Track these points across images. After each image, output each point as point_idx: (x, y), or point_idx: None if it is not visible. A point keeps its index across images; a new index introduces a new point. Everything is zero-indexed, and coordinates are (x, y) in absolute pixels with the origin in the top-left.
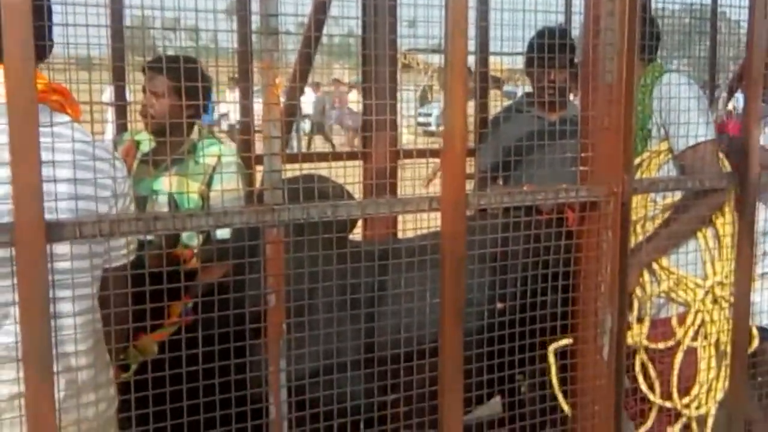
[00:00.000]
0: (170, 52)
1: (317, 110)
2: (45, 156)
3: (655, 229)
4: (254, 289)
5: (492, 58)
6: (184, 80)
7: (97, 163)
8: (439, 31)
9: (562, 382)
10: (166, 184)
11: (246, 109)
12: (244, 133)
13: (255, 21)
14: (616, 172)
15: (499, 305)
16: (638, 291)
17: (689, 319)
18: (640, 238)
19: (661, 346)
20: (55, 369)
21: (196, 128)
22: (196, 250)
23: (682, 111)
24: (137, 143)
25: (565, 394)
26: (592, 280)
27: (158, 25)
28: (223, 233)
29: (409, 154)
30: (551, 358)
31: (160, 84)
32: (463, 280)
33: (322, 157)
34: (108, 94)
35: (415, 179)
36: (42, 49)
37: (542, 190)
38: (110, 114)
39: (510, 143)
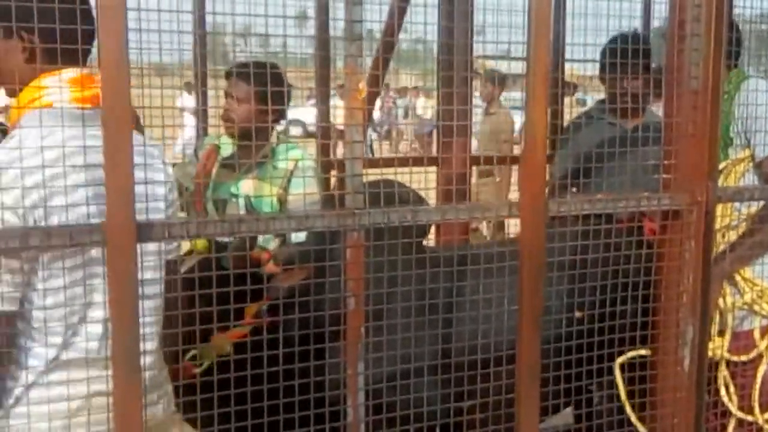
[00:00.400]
0: (242, 59)
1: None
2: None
3: (738, 239)
4: (333, 293)
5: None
6: (265, 86)
7: (155, 166)
8: (508, 37)
9: (634, 394)
10: (245, 187)
11: (324, 114)
12: (323, 138)
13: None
14: (700, 180)
15: (578, 314)
16: (720, 302)
17: None
18: (722, 247)
19: (743, 358)
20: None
21: (275, 133)
22: (273, 253)
23: (765, 118)
24: (218, 147)
25: (637, 406)
26: (674, 290)
27: (230, 32)
28: (299, 236)
29: (485, 160)
30: (617, 371)
31: (241, 89)
32: (541, 287)
33: (401, 162)
34: (183, 99)
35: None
36: (85, 52)
37: (623, 198)
38: (189, 119)
39: (585, 150)
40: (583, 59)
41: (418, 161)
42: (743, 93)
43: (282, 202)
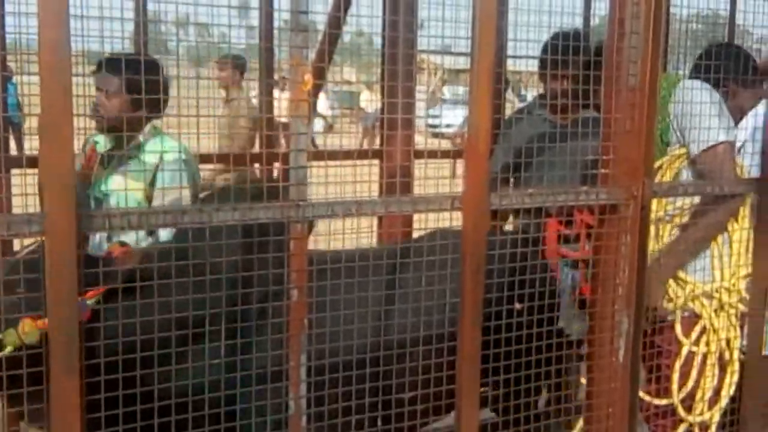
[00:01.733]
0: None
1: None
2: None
3: (673, 241)
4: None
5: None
6: (136, 77)
7: None
8: (451, 32)
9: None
10: (114, 184)
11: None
12: (267, 129)
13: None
14: (636, 175)
15: (518, 306)
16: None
17: (697, 327)
18: (659, 247)
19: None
20: None
21: (149, 126)
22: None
23: (700, 116)
24: (96, 143)
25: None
26: (610, 282)
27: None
28: (166, 234)
29: (429, 154)
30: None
31: (111, 82)
32: (482, 279)
33: (345, 155)
34: None
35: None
36: None
37: (562, 192)
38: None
39: (520, 145)
40: (525, 56)
41: (362, 154)
42: (678, 92)
43: (148, 198)
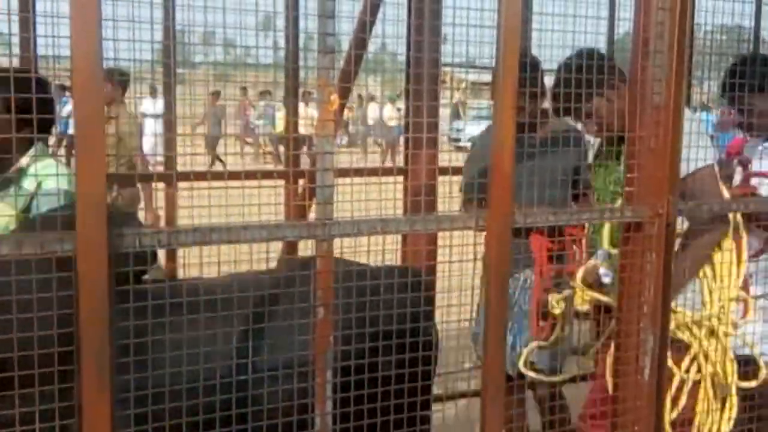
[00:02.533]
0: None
1: (214, 122)
2: None
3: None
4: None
5: None
6: (16, 93)
7: None
8: (474, 45)
9: None
10: None
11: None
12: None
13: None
14: (661, 193)
15: None
16: None
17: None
18: None
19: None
20: None
21: (33, 150)
22: None
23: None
24: None
25: None
26: (635, 301)
27: (196, 39)
28: None
29: (453, 171)
30: None
31: None
32: (507, 296)
33: (369, 172)
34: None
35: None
36: None
37: (587, 210)
38: (148, 124)
39: (485, 163)
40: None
41: (386, 171)
42: None
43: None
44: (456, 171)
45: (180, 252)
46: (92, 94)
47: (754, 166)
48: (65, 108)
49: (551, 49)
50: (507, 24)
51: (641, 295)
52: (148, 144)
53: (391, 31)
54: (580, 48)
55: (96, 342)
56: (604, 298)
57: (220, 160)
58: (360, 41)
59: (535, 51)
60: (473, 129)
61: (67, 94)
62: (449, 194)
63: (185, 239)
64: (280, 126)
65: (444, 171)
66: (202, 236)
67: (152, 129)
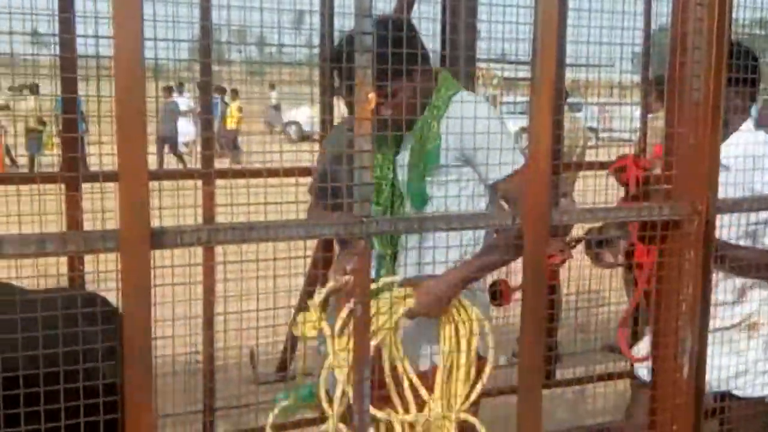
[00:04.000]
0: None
1: (167, 119)
2: None
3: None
4: None
5: None
6: None
7: None
8: (507, 44)
9: None
10: None
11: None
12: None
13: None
14: (700, 190)
15: None
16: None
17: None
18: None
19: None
20: None
21: None
22: None
23: (483, 135)
24: None
25: None
26: (674, 299)
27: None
28: None
29: None
30: None
31: None
32: (545, 297)
33: None
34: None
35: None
36: None
37: (624, 208)
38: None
39: (327, 158)
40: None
41: None
42: (455, 105)
43: None
44: None
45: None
46: (135, 93)
47: None
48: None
49: (587, 46)
50: (544, 19)
51: (679, 294)
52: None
53: (423, 28)
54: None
55: (138, 342)
56: (328, 331)
57: (181, 159)
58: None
59: (570, 47)
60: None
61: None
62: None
63: (224, 237)
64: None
65: None
66: (241, 234)
67: (183, 128)
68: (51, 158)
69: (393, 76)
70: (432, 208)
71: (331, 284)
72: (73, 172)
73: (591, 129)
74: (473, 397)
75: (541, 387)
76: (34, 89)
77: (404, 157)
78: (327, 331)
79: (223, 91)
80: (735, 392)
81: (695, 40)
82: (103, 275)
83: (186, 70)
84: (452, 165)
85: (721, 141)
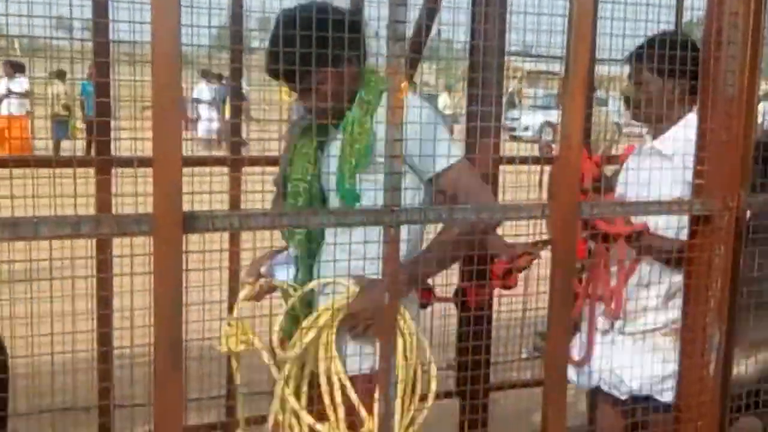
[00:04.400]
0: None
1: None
2: None
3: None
4: None
5: None
6: None
7: None
8: (532, 34)
9: None
10: None
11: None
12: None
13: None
14: (732, 186)
15: None
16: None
17: None
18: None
19: None
20: None
21: None
22: None
23: (418, 128)
24: None
25: None
26: (702, 295)
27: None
28: None
29: (512, 160)
30: None
31: None
32: (572, 288)
33: None
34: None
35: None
36: None
37: (655, 203)
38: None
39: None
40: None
41: None
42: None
43: None
44: (522, 161)
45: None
46: (172, 78)
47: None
48: None
49: (619, 39)
50: (579, 11)
51: (708, 289)
52: (202, 128)
53: (446, 17)
54: None
55: (168, 321)
56: (258, 343)
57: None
58: (420, 30)
59: (601, 40)
60: (528, 119)
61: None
62: (511, 184)
63: (255, 222)
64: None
65: (510, 161)
66: (272, 220)
67: (206, 114)
68: (73, 143)
69: (317, 63)
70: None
71: (245, 292)
72: (105, 156)
73: (616, 124)
74: (420, 420)
75: (566, 379)
76: (61, 75)
77: (331, 149)
78: (258, 344)
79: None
80: (656, 396)
81: (730, 35)
82: (128, 259)
83: (206, 57)
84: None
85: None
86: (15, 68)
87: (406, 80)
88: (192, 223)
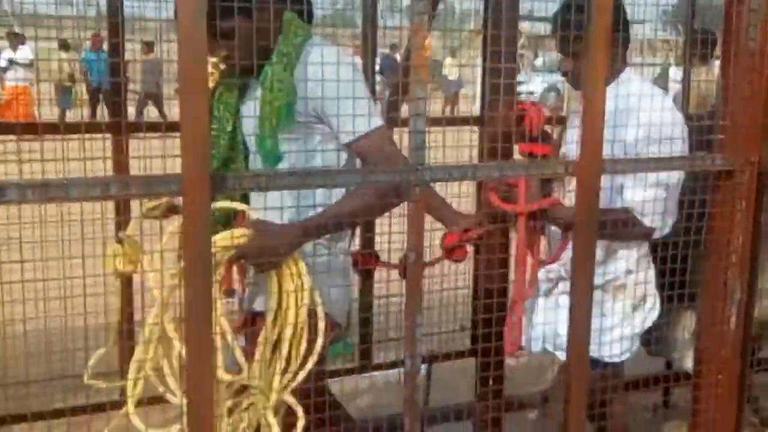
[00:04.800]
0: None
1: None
2: None
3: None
4: None
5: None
6: None
7: None
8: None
9: None
10: None
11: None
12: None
13: None
14: (754, 141)
15: None
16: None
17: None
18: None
19: None
20: None
21: None
22: None
23: (341, 96)
24: None
25: None
26: (723, 250)
27: None
28: None
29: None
30: None
31: None
32: (595, 252)
33: (448, 122)
34: None
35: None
36: None
37: (678, 158)
38: None
39: None
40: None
41: (464, 120)
42: (309, 63)
43: None
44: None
45: None
46: (197, 50)
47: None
48: None
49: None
50: None
51: (730, 244)
52: None
53: None
54: None
55: (197, 280)
56: (147, 265)
57: (162, 113)
58: None
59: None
60: (532, 84)
61: None
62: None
63: (281, 182)
64: None
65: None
66: (300, 179)
67: None
68: (80, 110)
69: (224, 13)
70: (286, 166)
71: (149, 204)
72: (117, 118)
73: None
74: (309, 364)
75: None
76: (65, 45)
77: (250, 108)
78: (146, 266)
79: None
80: (593, 352)
81: None
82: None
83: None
84: (311, 116)
85: None
86: (18, 39)
87: (428, 37)
88: (220, 183)
